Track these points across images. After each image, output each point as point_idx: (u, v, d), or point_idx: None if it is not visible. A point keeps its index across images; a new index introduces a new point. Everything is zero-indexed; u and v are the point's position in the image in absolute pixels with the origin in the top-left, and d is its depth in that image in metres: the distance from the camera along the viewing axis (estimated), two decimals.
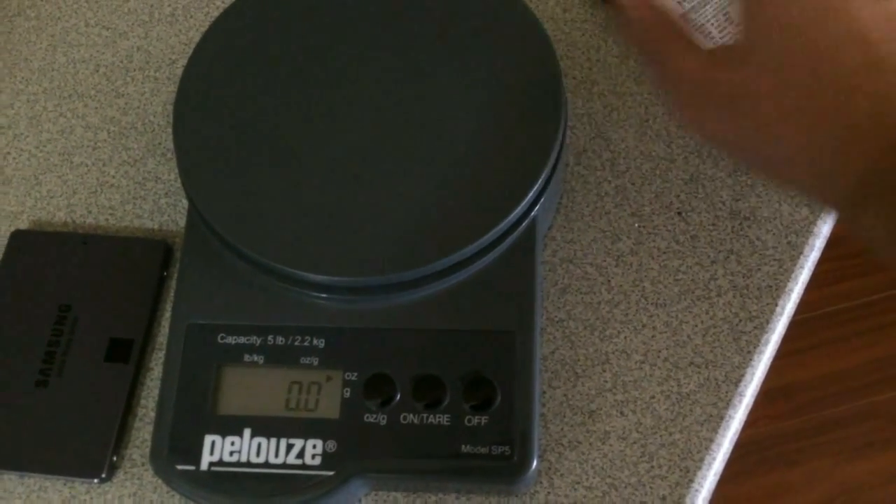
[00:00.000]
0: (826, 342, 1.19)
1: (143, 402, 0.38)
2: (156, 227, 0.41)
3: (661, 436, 0.36)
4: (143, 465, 0.36)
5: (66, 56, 0.46)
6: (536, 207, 0.36)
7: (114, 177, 0.43)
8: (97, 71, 0.45)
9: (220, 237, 0.36)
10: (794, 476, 1.13)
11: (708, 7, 0.39)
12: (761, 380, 0.37)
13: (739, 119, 0.27)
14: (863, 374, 1.17)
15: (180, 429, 0.34)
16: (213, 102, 0.38)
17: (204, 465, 0.34)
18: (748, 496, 1.12)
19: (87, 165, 0.43)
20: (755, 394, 0.37)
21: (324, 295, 0.36)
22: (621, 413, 0.36)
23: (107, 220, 0.42)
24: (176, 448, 0.34)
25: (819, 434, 1.15)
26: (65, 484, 0.36)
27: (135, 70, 0.45)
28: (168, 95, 0.44)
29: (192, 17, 0.46)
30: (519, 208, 0.35)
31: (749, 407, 0.37)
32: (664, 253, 0.39)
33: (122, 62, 0.45)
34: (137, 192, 0.42)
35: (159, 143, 0.43)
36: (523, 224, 0.36)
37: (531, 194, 0.35)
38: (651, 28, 0.30)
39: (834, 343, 1.19)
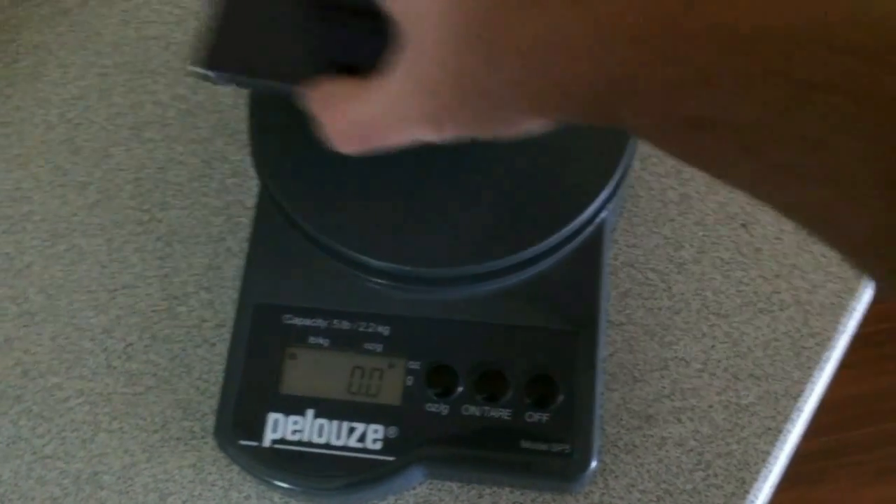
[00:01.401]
0: (857, 363, 1.18)
1: (205, 376, 0.38)
2: (221, 205, 0.42)
3: (717, 445, 0.36)
4: (202, 437, 0.37)
5: (137, 32, 0.47)
6: (606, 209, 0.36)
7: (182, 154, 0.43)
8: (167, 48, 0.46)
9: (291, 221, 0.36)
10: (815, 496, 1.12)
11: None
12: (821, 396, 0.37)
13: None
14: (891, 398, 1.17)
15: (244, 405, 0.35)
16: None
17: (266, 442, 0.34)
18: None
19: (155, 141, 0.44)
20: (814, 410, 0.37)
21: (391, 283, 0.36)
22: (678, 420, 0.36)
23: (174, 195, 0.42)
24: (240, 424, 0.34)
25: (842, 455, 1.14)
26: (125, 452, 0.37)
27: None
28: None
29: None
30: (589, 209, 0.35)
31: (807, 422, 0.37)
32: (727, 263, 0.39)
33: (192, 41, 0.46)
34: (204, 170, 0.43)
35: (227, 123, 0.44)
36: (592, 225, 0.36)
37: (602, 196, 0.36)
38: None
39: (864, 365, 1.18)
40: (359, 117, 0.27)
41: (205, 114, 0.44)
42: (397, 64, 0.25)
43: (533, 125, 0.25)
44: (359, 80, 0.27)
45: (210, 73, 0.32)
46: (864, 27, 0.17)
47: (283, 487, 0.34)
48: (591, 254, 0.36)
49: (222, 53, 0.32)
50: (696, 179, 0.41)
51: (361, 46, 0.31)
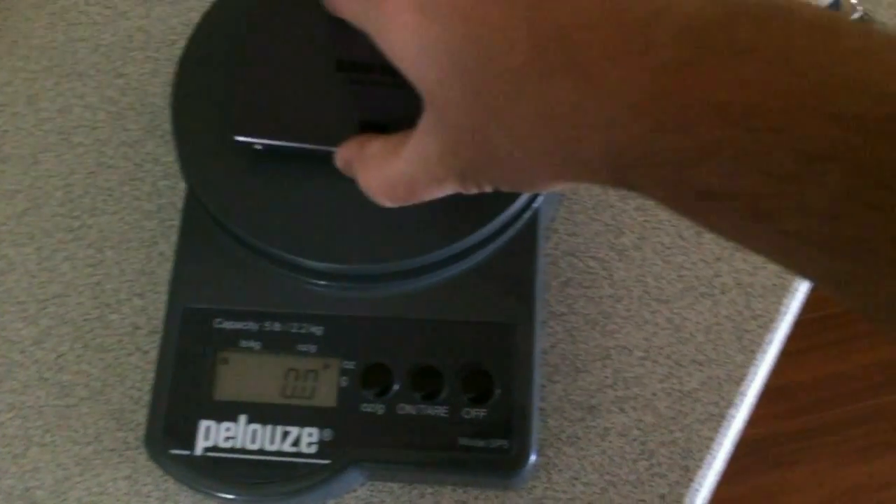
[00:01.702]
0: (829, 343, 1.18)
1: (138, 385, 0.37)
2: (154, 208, 0.41)
3: (661, 434, 0.35)
4: (136, 448, 0.36)
5: (65, 34, 0.45)
6: (538, 199, 0.36)
7: (112, 158, 0.42)
8: (97, 50, 0.45)
9: (218, 222, 0.36)
10: (794, 477, 1.13)
11: None
12: (764, 379, 0.37)
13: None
14: (865, 376, 1.17)
15: (175, 413, 0.34)
16: (213, 84, 0.37)
17: (198, 451, 0.33)
18: (748, 496, 1.12)
19: (85, 145, 0.43)
20: (758, 393, 0.36)
21: (322, 282, 0.35)
22: (622, 410, 0.36)
23: (104, 200, 0.41)
24: (170, 432, 0.34)
25: (820, 435, 1.14)
26: (58, 466, 0.36)
27: (135, 50, 0.45)
28: (168, 76, 0.44)
29: None
30: (521, 199, 0.35)
31: (751, 406, 0.36)
32: (668, 248, 0.39)
33: (122, 42, 0.45)
34: (136, 173, 0.42)
35: (158, 125, 0.43)
36: (525, 215, 0.36)
37: None
38: None
39: (837, 344, 1.18)
40: (393, 176, 0.28)
41: (135, 115, 0.43)
42: (423, 125, 0.26)
43: (559, 185, 0.25)
44: (392, 138, 0.28)
45: (257, 142, 0.34)
46: (861, 93, 0.17)
47: (217, 497, 0.33)
48: (525, 245, 0.36)
49: (263, 121, 0.34)
50: None
51: (390, 103, 0.33)
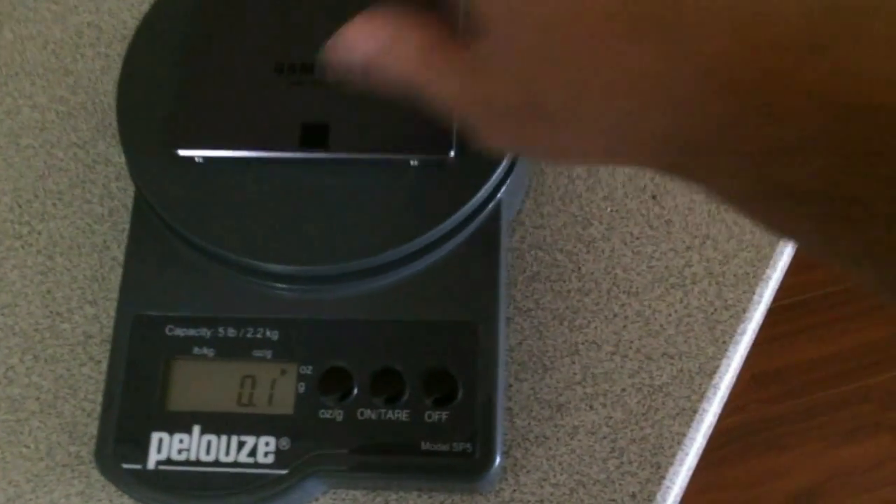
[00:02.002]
0: (816, 326, 1.18)
1: (91, 396, 0.36)
2: (105, 212, 0.39)
3: (631, 430, 0.34)
4: (90, 462, 0.35)
5: (12, 32, 0.44)
6: (501, 191, 0.35)
7: (62, 160, 0.41)
8: (45, 47, 0.43)
9: (168, 225, 0.34)
10: (784, 460, 1.12)
11: None
12: (737, 371, 0.36)
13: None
14: (853, 357, 1.16)
15: (126, 426, 0.32)
16: (161, 82, 0.36)
17: (151, 464, 0.32)
18: (737, 480, 1.11)
19: (34, 147, 0.41)
20: (730, 385, 0.35)
21: (277, 284, 0.34)
22: (591, 407, 0.35)
23: (54, 204, 0.40)
24: (122, 446, 0.32)
25: (809, 418, 1.14)
26: (9, 483, 0.35)
27: (85, 46, 0.43)
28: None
29: None
30: (481, 192, 0.33)
31: (724, 399, 0.35)
32: (637, 239, 0.37)
33: (71, 38, 0.43)
34: (87, 175, 0.40)
35: (110, 124, 0.41)
36: (487, 209, 0.34)
37: (495, 177, 0.34)
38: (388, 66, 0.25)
39: (824, 327, 1.18)
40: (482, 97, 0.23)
41: (85, 115, 0.42)
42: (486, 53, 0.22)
43: (604, 162, 0.23)
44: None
45: (199, 155, 0.34)
46: None
47: None
48: (487, 240, 0.34)
49: (204, 133, 0.34)
50: None
51: (331, 103, 0.33)
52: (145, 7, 0.43)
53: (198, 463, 0.32)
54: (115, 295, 0.37)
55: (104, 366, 0.36)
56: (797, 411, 1.15)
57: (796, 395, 1.15)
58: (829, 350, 1.17)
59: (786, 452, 1.13)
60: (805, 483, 1.12)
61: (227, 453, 0.32)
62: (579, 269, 0.37)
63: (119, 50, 0.43)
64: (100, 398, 0.36)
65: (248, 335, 0.34)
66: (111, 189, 0.40)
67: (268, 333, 0.34)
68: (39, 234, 0.39)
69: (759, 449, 1.13)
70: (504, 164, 0.34)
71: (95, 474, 0.35)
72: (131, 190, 0.40)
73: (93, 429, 0.35)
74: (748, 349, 0.36)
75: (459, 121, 0.25)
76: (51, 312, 0.37)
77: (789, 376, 1.16)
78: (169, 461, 0.32)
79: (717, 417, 0.35)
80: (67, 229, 0.39)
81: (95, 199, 0.40)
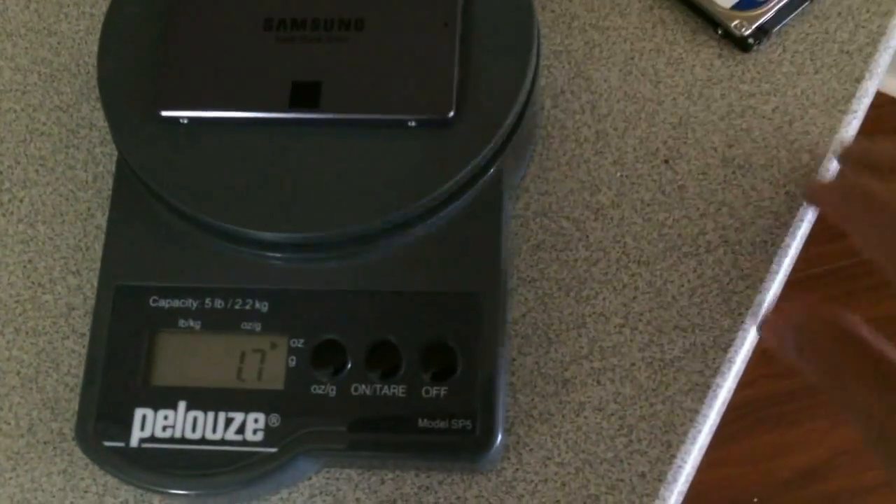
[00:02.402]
0: (829, 299, 1.16)
1: (74, 371, 0.34)
2: (90, 178, 0.38)
3: (641, 407, 0.32)
4: (73, 439, 0.33)
5: None
6: (502, 155, 0.32)
7: (44, 124, 0.39)
8: (28, 7, 0.41)
9: (152, 191, 0.32)
10: (793, 436, 1.11)
11: None
12: (753, 344, 0.34)
13: None
14: None
15: (108, 402, 0.31)
16: (144, 40, 0.34)
17: (134, 442, 0.30)
18: (745, 456, 1.10)
19: (15, 111, 0.39)
20: (746, 360, 0.34)
21: (267, 253, 0.32)
22: (598, 382, 0.33)
23: (36, 171, 0.38)
24: (103, 423, 0.31)
25: (818, 394, 1.12)
26: None
27: (69, 6, 0.41)
28: None
29: None
30: (482, 156, 0.31)
31: (739, 374, 0.33)
32: (648, 205, 0.35)
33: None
34: (70, 140, 0.38)
35: (94, 87, 0.39)
36: (488, 174, 0.32)
37: (496, 140, 0.32)
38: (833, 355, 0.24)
39: (836, 301, 1.15)
40: None
41: (69, 77, 0.40)
42: None
43: None
44: None
45: (184, 116, 0.32)
46: None
47: (155, 492, 0.30)
48: (489, 207, 0.32)
49: (189, 92, 0.32)
50: (614, 114, 0.37)
51: (323, 60, 0.31)
52: None
53: (183, 440, 0.30)
54: (99, 265, 0.36)
55: (88, 339, 0.35)
56: (806, 387, 1.13)
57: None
58: None
59: (794, 428, 1.12)
60: (814, 459, 1.10)
61: (214, 430, 0.30)
62: (587, 237, 0.35)
63: (104, 10, 0.41)
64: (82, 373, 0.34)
65: (237, 306, 0.32)
66: (95, 154, 0.38)
67: (257, 305, 0.32)
68: (21, 201, 0.37)
69: (767, 425, 1.11)
70: (507, 124, 0.32)
71: (79, 452, 0.33)
72: (116, 155, 0.38)
73: (76, 405, 0.34)
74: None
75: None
76: (32, 283, 0.36)
77: None
78: (153, 439, 0.30)
79: (731, 393, 0.33)
80: (50, 196, 0.37)
81: (79, 165, 0.38)
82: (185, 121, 0.32)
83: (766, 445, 1.10)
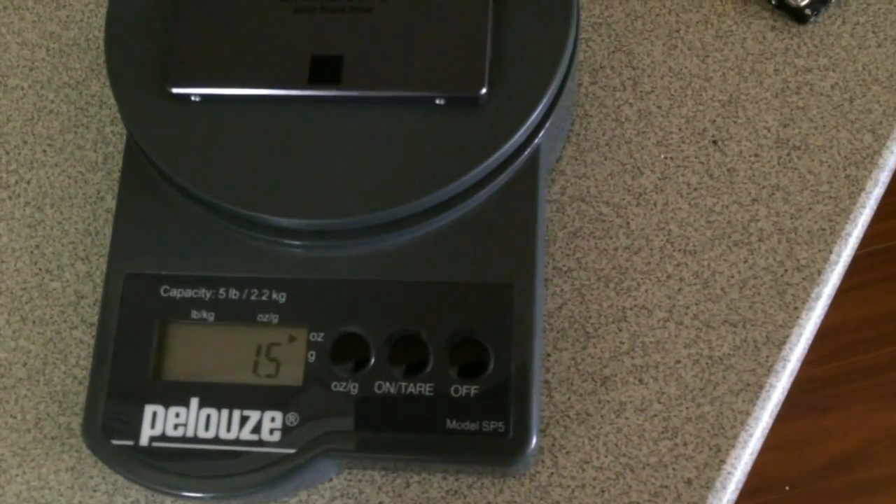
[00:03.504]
0: (866, 283, 1.12)
1: (83, 362, 0.33)
2: (100, 159, 0.36)
3: (687, 408, 0.30)
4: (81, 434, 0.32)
5: None
6: (539, 135, 0.30)
7: (53, 101, 0.37)
8: None
9: (162, 172, 0.30)
10: (828, 422, 1.08)
11: None
12: (810, 341, 0.31)
13: None
14: None
15: (117, 398, 0.29)
16: (154, 12, 0.31)
17: (144, 441, 0.29)
18: (780, 442, 1.07)
19: (22, 88, 0.37)
20: (801, 358, 0.31)
21: (285, 240, 0.30)
22: (640, 380, 0.30)
23: (44, 151, 0.36)
24: (111, 420, 0.29)
25: (855, 380, 1.09)
26: None
27: None
28: None
29: None
30: (517, 136, 0.29)
31: (794, 373, 0.31)
32: (695, 189, 0.33)
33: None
34: (79, 118, 0.36)
35: (105, 62, 0.37)
36: (523, 156, 0.30)
37: (533, 118, 0.29)
38: None
39: (874, 284, 1.12)
40: None
41: (79, 52, 0.38)
42: None
43: None
44: None
45: (195, 93, 0.30)
46: None
47: (166, 493, 0.29)
48: (523, 191, 0.30)
49: (201, 68, 0.30)
50: (658, 91, 0.34)
51: (344, 32, 0.29)
52: None
53: (196, 440, 0.29)
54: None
55: (96, 330, 0.33)
56: (842, 372, 1.10)
57: (841, 355, 1.11)
58: (877, 310, 1.12)
59: (829, 414, 1.09)
60: (848, 446, 1.08)
61: (229, 429, 0.29)
62: (628, 224, 0.33)
63: None
64: (90, 366, 0.32)
65: (253, 297, 0.30)
66: (105, 134, 0.36)
67: (274, 295, 0.30)
68: (28, 183, 0.36)
69: (801, 410, 1.09)
70: (543, 103, 0.29)
71: (87, 448, 0.31)
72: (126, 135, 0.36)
73: (84, 398, 0.32)
74: (822, 316, 0.31)
75: None
76: (40, 270, 0.34)
77: (835, 336, 1.11)
78: (164, 437, 0.29)
79: (785, 394, 0.31)
80: (58, 178, 0.36)
81: (89, 145, 0.36)
82: (197, 98, 0.30)
83: (800, 431, 1.08)
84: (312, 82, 0.29)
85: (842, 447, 1.07)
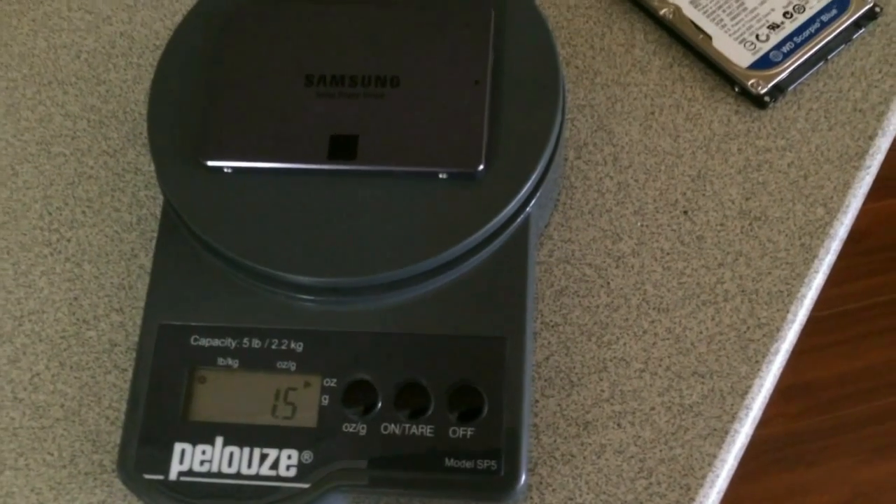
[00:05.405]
0: (846, 340, 1.16)
1: (115, 405, 0.36)
2: (134, 220, 0.40)
3: (660, 450, 0.33)
4: (113, 471, 0.35)
5: (47, 41, 0.44)
6: (530, 205, 0.34)
7: (92, 167, 0.41)
8: (79, 57, 0.44)
9: (195, 235, 0.34)
10: (812, 476, 1.10)
11: None
12: (770, 391, 0.35)
13: None
14: (883, 373, 1.14)
15: (149, 436, 0.32)
16: (191, 92, 0.36)
17: (173, 475, 0.32)
18: (763, 496, 1.09)
19: (65, 155, 0.41)
20: (763, 406, 0.35)
21: (303, 296, 0.34)
22: (618, 425, 0.34)
23: (83, 212, 0.40)
24: (144, 456, 0.32)
25: (838, 434, 1.12)
26: (31, 490, 0.35)
27: (117, 56, 0.43)
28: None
29: (177, 0, 0.44)
30: (511, 205, 0.33)
31: (756, 420, 0.34)
32: (668, 254, 0.37)
33: (104, 48, 0.44)
34: (116, 183, 0.40)
35: (140, 133, 0.41)
36: (515, 223, 0.34)
37: (524, 190, 0.33)
38: None
39: (854, 341, 1.15)
40: None
41: (116, 124, 0.42)
42: None
43: None
44: None
45: (227, 166, 0.33)
46: None
47: None
48: (516, 253, 0.34)
49: (233, 144, 0.34)
50: (635, 166, 0.39)
51: (360, 114, 0.33)
52: (177, 18, 0.44)
53: (220, 475, 0.32)
54: (141, 303, 0.37)
55: (129, 374, 0.36)
56: (825, 427, 1.13)
57: (824, 410, 1.13)
58: (858, 365, 1.15)
59: (812, 468, 1.11)
60: (833, 501, 1.09)
61: (250, 466, 0.32)
62: (608, 284, 0.36)
63: (151, 60, 0.43)
64: (124, 407, 0.36)
65: (273, 346, 0.33)
66: (140, 197, 0.40)
67: (292, 345, 0.33)
68: (68, 241, 0.39)
69: (785, 464, 1.11)
70: (534, 177, 0.33)
71: (118, 483, 0.34)
72: (160, 199, 0.40)
73: (116, 437, 0.35)
74: (781, 369, 0.35)
75: None
76: (77, 320, 0.38)
77: (817, 391, 1.14)
78: (191, 472, 0.32)
79: (748, 438, 0.34)
80: (96, 237, 0.39)
81: (124, 208, 0.40)
82: (230, 170, 0.34)
83: (783, 485, 1.10)
84: (331, 158, 0.33)
85: (825, 501, 1.09)
